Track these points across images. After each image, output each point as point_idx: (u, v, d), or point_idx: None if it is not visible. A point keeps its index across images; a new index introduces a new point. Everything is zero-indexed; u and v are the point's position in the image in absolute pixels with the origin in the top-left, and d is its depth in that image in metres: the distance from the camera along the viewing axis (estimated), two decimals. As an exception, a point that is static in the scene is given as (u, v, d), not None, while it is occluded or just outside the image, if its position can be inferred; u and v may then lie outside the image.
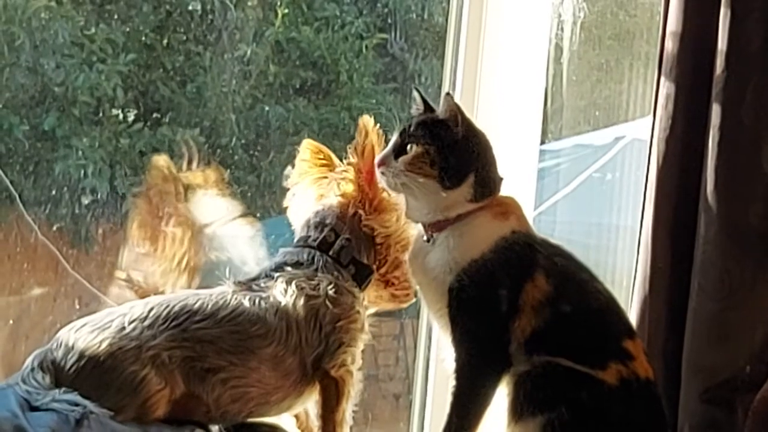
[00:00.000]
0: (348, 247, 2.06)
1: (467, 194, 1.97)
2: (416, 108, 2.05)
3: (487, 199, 1.99)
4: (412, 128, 1.99)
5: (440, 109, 2.01)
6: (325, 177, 2.14)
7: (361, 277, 2.07)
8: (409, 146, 1.98)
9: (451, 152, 1.96)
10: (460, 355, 1.96)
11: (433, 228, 2.00)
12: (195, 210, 2.37)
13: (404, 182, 1.97)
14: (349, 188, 2.08)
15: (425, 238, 2.01)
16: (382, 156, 2.00)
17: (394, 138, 2.02)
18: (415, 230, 2.07)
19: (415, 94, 2.05)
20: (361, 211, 2.08)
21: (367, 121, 2.07)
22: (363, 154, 2.07)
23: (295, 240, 2.11)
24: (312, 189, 2.15)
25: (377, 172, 2.00)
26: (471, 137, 1.99)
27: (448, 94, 2.02)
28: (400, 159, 1.98)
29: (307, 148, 2.16)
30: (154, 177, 2.37)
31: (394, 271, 2.12)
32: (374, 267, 2.10)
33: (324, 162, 2.15)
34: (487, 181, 1.99)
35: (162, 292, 2.19)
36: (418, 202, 2.00)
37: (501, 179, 2.02)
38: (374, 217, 2.09)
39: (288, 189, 2.18)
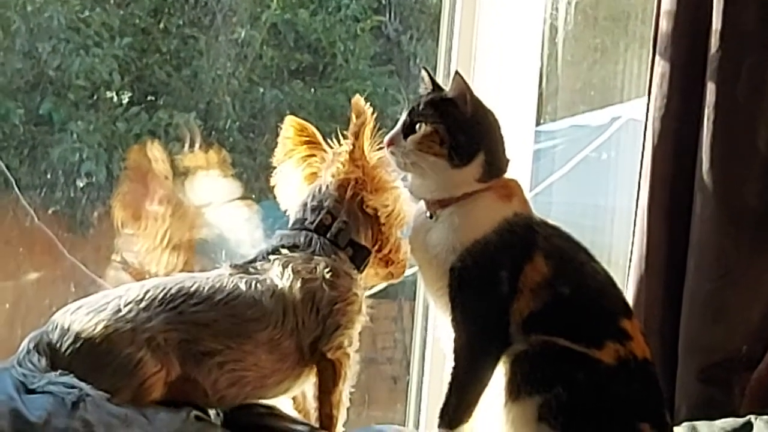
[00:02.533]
0: (345, 230, 2.05)
1: (476, 173, 1.96)
2: (424, 87, 2.03)
3: (494, 179, 1.98)
4: (420, 107, 1.98)
5: (449, 88, 2.00)
6: (312, 155, 2.12)
7: (359, 259, 2.06)
8: (418, 125, 1.96)
9: (461, 131, 1.95)
10: (460, 336, 1.96)
11: (437, 205, 1.99)
12: (191, 191, 2.37)
13: (414, 161, 1.95)
14: (348, 170, 2.06)
15: (428, 214, 2.00)
16: (391, 136, 1.99)
17: (402, 117, 2.00)
18: (412, 207, 2.07)
19: (423, 73, 2.04)
20: (364, 193, 2.06)
21: (359, 101, 2.05)
22: (359, 134, 2.05)
23: (291, 222, 2.09)
24: (299, 168, 2.13)
25: (386, 151, 1.99)
26: (480, 116, 1.98)
27: (457, 72, 1.99)
28: (410, 138, 1.96)
29: (290, 125, 2.13)
30: (134, 158, 2.38)
31: (397, 251, 2.11)
32: (372, 248, 2.09)
33: (308, 139, 2.13)
34: (496, 161, 1.98)
35: (156, 273, 2.19)
36: (426, 181, 1.98)
37: (508, 161, 2.01)
38: (375, 197, 2.07)
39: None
